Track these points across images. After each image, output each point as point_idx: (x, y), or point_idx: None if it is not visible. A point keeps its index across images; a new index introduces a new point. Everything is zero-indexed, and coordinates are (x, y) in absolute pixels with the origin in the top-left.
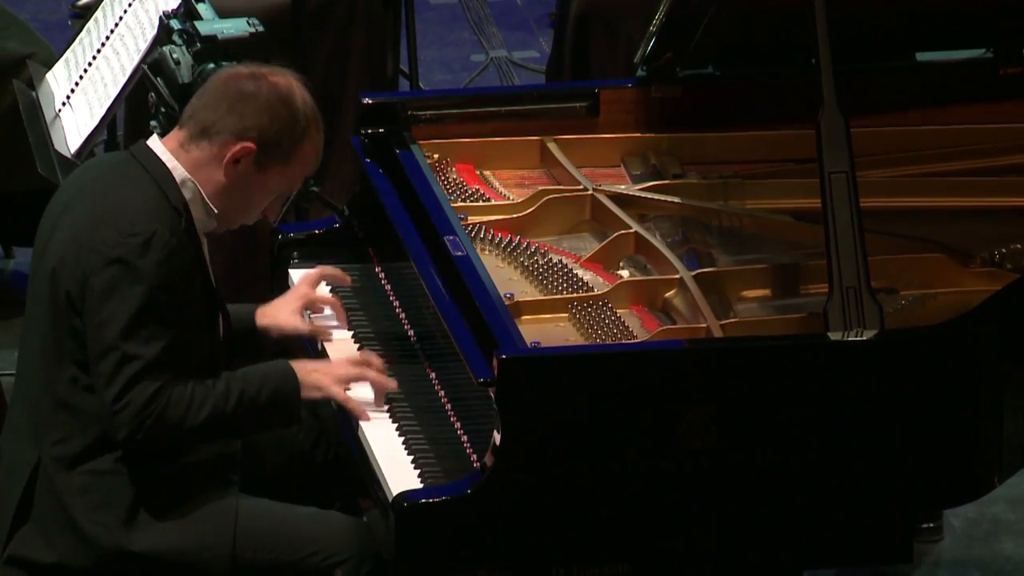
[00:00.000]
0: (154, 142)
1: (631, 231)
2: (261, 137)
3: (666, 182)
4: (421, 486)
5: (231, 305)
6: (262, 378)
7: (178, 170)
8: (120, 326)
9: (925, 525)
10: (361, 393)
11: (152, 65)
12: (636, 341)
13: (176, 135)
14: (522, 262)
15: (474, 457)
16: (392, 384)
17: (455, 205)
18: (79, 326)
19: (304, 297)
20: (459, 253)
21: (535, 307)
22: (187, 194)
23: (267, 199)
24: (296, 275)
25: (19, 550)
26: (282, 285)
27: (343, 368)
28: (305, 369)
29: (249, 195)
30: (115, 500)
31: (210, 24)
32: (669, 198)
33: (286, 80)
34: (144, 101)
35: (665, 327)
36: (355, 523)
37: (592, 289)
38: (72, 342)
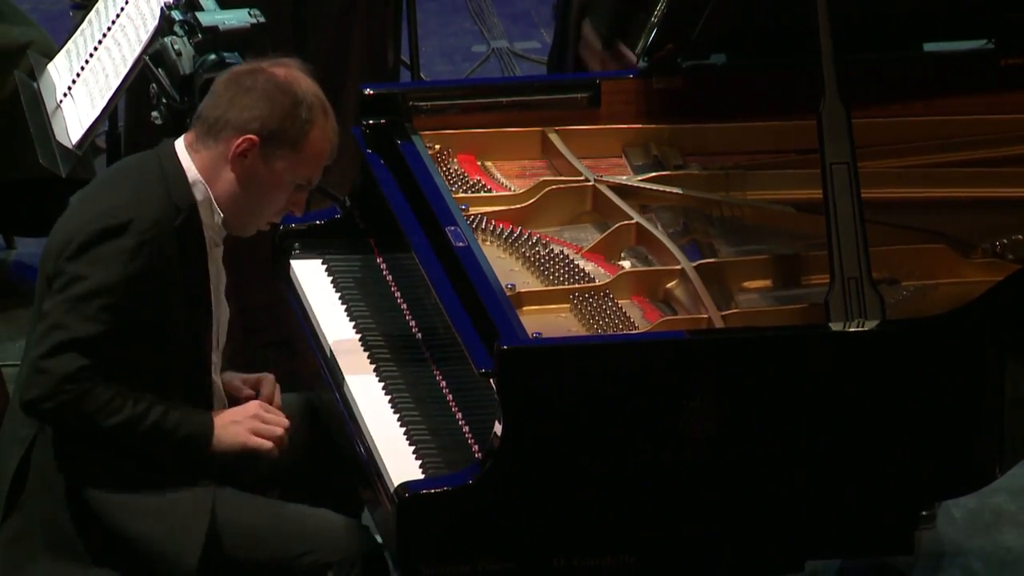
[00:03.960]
0: (179, 143)
1: (632, 222)
2: (263, 128)
3: (667, 173)
4: (423, 476)
5: None
6: (180, 418)
7: (191, 171)
8: (67, 296)
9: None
10: (366, 388)
11: (153, 56)
12: (637, 332)
13: (187, 136)
14: (523, 253)
15: (476, 448)
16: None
17: (456, 196)
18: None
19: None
20: (460, 244)
21: (536, 298)
22: (198, 195)
23: (282, 193)
24: (298, 267)
25: (15, 523)
26: (283, 276)
27: (258, 418)
28: (223, 421)
29: (261, 191)
30: (97, 477)
31: (211, 15)
32: (670, 189)
33: (287, 70)
34: (145, 92)
35: (666, 318)
36: (347, 523)
37: (593, 280)
38: None
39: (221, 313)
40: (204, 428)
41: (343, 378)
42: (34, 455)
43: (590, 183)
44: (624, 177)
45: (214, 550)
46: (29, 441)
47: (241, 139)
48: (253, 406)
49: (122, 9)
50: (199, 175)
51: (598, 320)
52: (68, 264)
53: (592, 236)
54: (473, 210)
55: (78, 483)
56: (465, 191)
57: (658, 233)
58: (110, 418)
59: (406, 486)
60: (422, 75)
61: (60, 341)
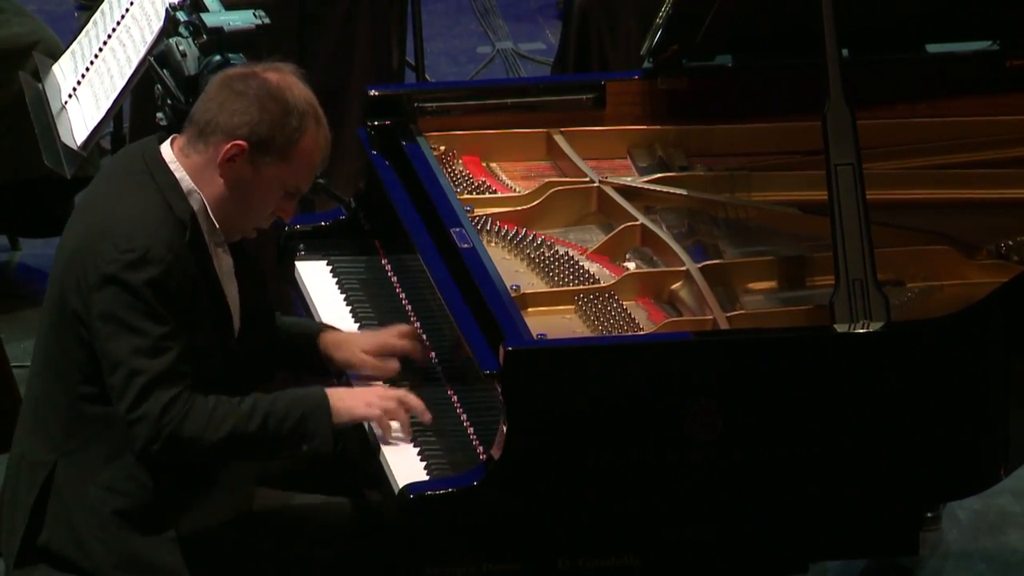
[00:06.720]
0: (165, 148)
1: (637, 223)
2: (252, 134)
3: (672, 174)
4: (427, 478)
5: (294, 319)
6: (291, 402)
7: (185, 180)
8: (124, 342)
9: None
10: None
11: (158, 57)
12: (642, 333)
13: (179, 140)
14: (528, 254)
15: (480, 449)
16: (427, 418)
17: (461, 197)
18: (85, 337)
19: (384, 346)
20: (465, 245)
21: (541, 299)
22: (195, 205)
23: (271, 200)
24: (303, 268)
25: (42, 543)
26: (288, 278)
27: (376, 395)
28: (338, 395)
29: (249, 197)
30: (121, 519)
31: (216, 16)
32: (675, 190)
33: (280, 76)
34: (150, 93)
35: (671, 319)
36: (363, 510)
37: (598, 281)
38: (80, 352)
39: (232, 298)
40: (319, 403)
41: (348, 379)
42: (56, 481)
43: (595, 184)
44: (629, 178)
45: (237, 544)
46: (51, 467)
47: (230, 144)
48: (373, 389)
49: (127, 10)
50: (193, 184)
51: (603, 321)
52: (102, 302)
53: (597, 237)
54: (478, 211)
55: (102, 519)
56: (470, 192)
57: (663, 234)
58: (220, 428)
59: (411, 488)
60: (427, 76)
61: (142, 386)
